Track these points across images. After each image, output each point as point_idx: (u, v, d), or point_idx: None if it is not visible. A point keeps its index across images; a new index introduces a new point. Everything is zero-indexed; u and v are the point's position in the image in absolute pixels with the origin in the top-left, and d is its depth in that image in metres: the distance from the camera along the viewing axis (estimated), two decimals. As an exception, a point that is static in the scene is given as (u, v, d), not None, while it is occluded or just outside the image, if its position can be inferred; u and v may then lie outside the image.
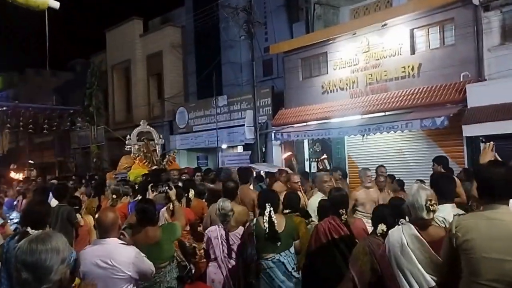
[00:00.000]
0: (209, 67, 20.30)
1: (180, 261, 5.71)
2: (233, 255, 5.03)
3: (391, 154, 14.05)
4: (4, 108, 17.42)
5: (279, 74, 18.61)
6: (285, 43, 17.30)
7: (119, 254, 3.51)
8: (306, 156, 17.10)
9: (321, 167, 10.08)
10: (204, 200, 7.05)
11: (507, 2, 11.63)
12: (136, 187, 7.64)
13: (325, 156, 11.07)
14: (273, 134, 16.87)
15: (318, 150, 16.86)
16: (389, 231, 3.27)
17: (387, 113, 13.58)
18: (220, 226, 5.14)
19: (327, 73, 16.08)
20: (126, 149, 13.46)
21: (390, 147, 14.12)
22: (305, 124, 15.80)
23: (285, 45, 17.19)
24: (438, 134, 12.70)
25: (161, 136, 14.20)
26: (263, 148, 17.65)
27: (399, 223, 3.19)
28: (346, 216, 4.23)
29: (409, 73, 13.66)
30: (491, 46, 11.97)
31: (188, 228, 5.94)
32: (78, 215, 6.23)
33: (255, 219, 4.82)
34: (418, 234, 3.05)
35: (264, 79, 19.04)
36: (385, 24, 14.07)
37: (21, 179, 18.09)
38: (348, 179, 12.15)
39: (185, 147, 21.77)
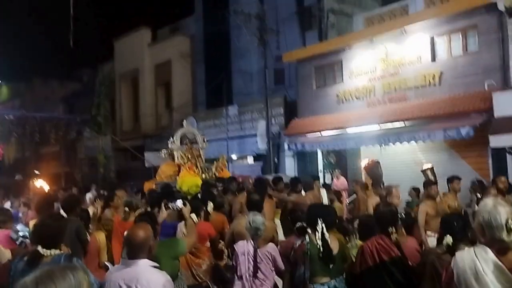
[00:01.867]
0: (219, 76, 19.89)
1: (201, 281, 5.19)
2: (260, 274, 4.51)
3: (410, 166, 13.46)
4: (11, 117, 17.02)
5: (291, 83, 18.17)
6: (299, 51, 16.88)
7: (147, 279, 3.03)
8: (320, 167, 16.55)
9: (426, 178, 8.47)
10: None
11: (534, 7, 11.16)
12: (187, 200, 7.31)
13: (429, 165, 9.87)
14: (286, 144, 16.33)
15: (332, 162, 16.33)
16: (457, 254, 2.72)
17: (406, 123, 13.05)
18: (248, 242, 4.63)
19: (342, 81, 15.62)
20: (163, 155, 11.63)
21: (409, 158, 13.54)
22: (319, 134, 15.28)
23: (299, 53, 16.76)
24: (461, 145, 12.15)
25: (205, 139, 12.12)
26: (276, 159, 17.11)
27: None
28: (396, 235, 3.69)
29: (429, 81, 13.15)
30: (517, 53, 11.46)
31: (208, 244, 5.42)
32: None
33: (307, 236, 4.26)
34: (497, 260, 2.51)
35: (276, 87, 18.58)
36: (405, 31, 13.59)
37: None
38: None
39: (194, 157, 21.27)
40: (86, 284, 1.77)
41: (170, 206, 4.91)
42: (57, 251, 3.25)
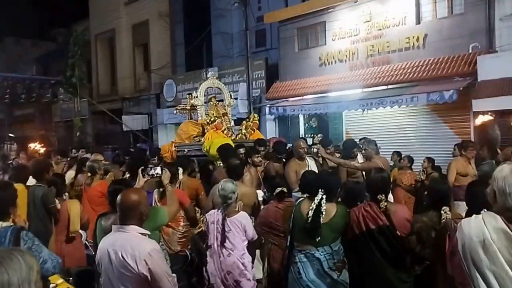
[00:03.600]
0: (198, 38, 19.27)
1: (177, 252, 5.00)
2: (228, 244, 4.33)
3: (392, 130, 13.38)
4: (-20, 78, 16.28)
5: (273, 45, 17.70)
6: (281, 11, 16.36)
7: (132, 246, 2.85)
8: (302, 132, 16.38)
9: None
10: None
11: (523, -32, 10.87)
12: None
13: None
14: (267, 108, 16.05)
15: (314, 126, 16.17)
16: (463, 221, 2.54)
17: (389, 86, 12.87)
18: (219, 210, 4.43)
19: (325, 44, 15.26)
20: (178, 112, 9.97)
21: (391, 123, 13.44)
22: (301, 98, 15.02)
23: (281, 14, 16.25)
24: (443, 109, 12.04)
25: (231, 95, 10.25)
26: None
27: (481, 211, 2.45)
28: (385, 203, 3.50)
29: (413, 44, 12.89)
30: (503, 16, 11.24)
31: (182, 213, 5.15)
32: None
33: (299, 199, 4.04)
34: (508, 229, 2.33)
35: (257, 50, 18.09)
36: (389, -9, 13.20)
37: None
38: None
39: (173, 121, 20.82)
40: (36, 267, 1.55)
41: (149, 173, 4.62)
42: (5, 223, 2.97)
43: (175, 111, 10.17)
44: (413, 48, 12.92)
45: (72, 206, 5.23)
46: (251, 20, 16.92)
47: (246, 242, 4.45)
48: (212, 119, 8.54)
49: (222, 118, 8.95)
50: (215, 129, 8.36)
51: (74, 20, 28.21)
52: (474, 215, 2.53)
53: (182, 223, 5.07)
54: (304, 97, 14.98)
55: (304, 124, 16.39)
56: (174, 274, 3.02)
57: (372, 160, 6.17)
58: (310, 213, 3.66)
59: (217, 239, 4.40)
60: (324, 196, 3.67)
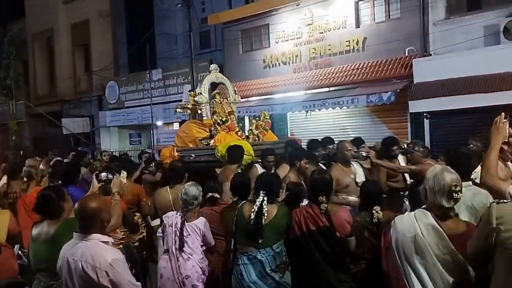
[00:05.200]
0: (141, 39, 18.91)
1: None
2: (187, 248, 4.27)
3: (334, 131, 13.70)
4: None
5: (218, 47, 17.67)
6: (225, 13, 16.36)
7: (92, 256, 2.74)
8: (246, 133, 16.40)
9: None
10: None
11: (453, -25, 11.48)
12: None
13: None
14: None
15: (259, 127, 16.25)
16: (396, 218, 2.66)
17: (331, 88, 13.19)
18: (178, 213, 4.35)
19: (269, 46, 15.43)
20: (179, 111, 8.70)
21: (333, 124, 13.78)
22: (246, 99, 15.06)
23: (225, 16, 16.26)
24: (383, 110, 12.50)
25: (236, 91, 8.85)
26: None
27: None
28: (326, 205, 3.58)
29: (353, 47, 13.30)
30: (436, 21, 11.83)
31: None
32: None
33: (241, 203, 4.03)
34: (437, 225, 2.46)
35: (201, 52, 18.01)
36: (330, -4, 13.55)
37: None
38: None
39: (116, 124, 20.37)
40: None
41: (103, 178, 4.44)
42: None
43: (177, 110, 8.97)
44: (353, 51, 13.32)
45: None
46: (195, 21, 16.82)
47: (204, 247, 4.38)
48: (223, 119, 7.30)
49: (228, 118, 7.60)
50: (227, 130, 7.12)
51: (9, 19, 26.84)
52: (407, 213, 2.66)
53: (119, 230, 4.93)
54: (249, 98, 15.05)
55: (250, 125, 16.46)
56: (138, 283, 2.93)
57: (426, 163, 5.34)
58: (252, 215, 3.68)
59: (175, 242, 4.31)
60: (265, 198, 3.70)
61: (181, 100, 16.79)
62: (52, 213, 3.50)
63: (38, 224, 3.54)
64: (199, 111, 7.70)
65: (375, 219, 3.38)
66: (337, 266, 3.61)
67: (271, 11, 14.99)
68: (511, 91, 9.62)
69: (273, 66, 15.22)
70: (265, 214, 3.65)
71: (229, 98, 8.15)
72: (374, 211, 3.41)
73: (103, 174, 4.42)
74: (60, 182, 5.38)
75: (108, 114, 20.47)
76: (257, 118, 7.82)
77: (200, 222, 4.30)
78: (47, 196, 3.53)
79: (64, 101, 22.81)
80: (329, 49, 13.83)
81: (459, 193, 2.48)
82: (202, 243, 4.34)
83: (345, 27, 13.51)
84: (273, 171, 5.70)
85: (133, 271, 4.16)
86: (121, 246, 4.77)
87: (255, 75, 15.46)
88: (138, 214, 5.34)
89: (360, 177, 5.23)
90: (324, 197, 3.61)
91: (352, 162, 5.48)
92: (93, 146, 20.16)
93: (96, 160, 9.75)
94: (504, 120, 2.76)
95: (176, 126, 18.50)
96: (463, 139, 7.29)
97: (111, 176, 4.37)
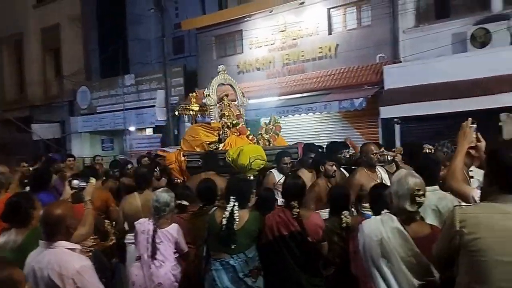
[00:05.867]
0: (114, 44, 18.70)
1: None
2: (159, 255, 4.22)
3: (307, 136, 13.82)
4: None
5: (192, 53, 17.62)
6: (198, 19, 16.35)
7: (59, 264, 2.68)
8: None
9: None
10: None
11: (422, -16, 11.78)
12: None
13: None
14: (186, 116, 15.89)
15: (233, 132, 16.27)
16: (364, 222, 2.72)
17: (304, 94, 13.31)
18: (150, 220, 4.31)
19: (243, 52, 15.49)
20: (181, 113, 8.38)
21: (306, 129, 13.90)
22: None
23: (198, 21, 16.24)
24: (354, 116, 12.69)
25: (244, 93, 8.35)
26: (176, 131, 16.67)
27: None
28: (298, 210, 3.61)
29: (326, 53, 13.49)
30: (406, 28, 12.09)
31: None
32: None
33: (212, 209, 4.02)
34: (402, 228, 2.52)
35: (175, 57, 17.91)
36: (303, 2, 13.72)
37: None
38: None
39: (87, 129, 20.02)
40: None
41: (76, 185, 4.35)
42: None
43: (176, 112, 8.63)
44: (326, 57, 13.50)
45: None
46: (168, 26, 16.75)
47: (177, 254, 4.35)
48: (234, 122, 6.92)
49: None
50: (238, 134, 6.76)
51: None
52: (373, 217, 2.72)
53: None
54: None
55: (224, 131, 16.45)
56: None
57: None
58: (224, 221, 3.68)
59: (147, 249, 4.27)
60: (237, 203, 3.71)
61: (154, 106, 16.70)
62: (20, 221, 3.43)
63: (5, 232, 3.46)
64: (210, 113, 7.36)
65: (344, 224, 3.44)
66: (309, 271, 3.64)
67: (244, 17, 15.06)
68: (478, 97, 9.88)
69: (246, 72, 15.27)
70: (237, 220, 3.66)
71: (237, 101, 7.81)
72: (342, 216, 3.46)
73: (75, 182, 4.36)
74: (30, 188, 5.26)
75: (79, 120, 20.13)
76: (266, 124, 7.41)
77: (173, 229, 4.27)
78: (16, 204, 3.46)
79: (33, 106, 22.31)
80: (302, 56, 13.97)
81: (422, 197, 2.54)
82: (175, 250, 4.31)
83: (317, 34, 13.68)
84: None
85: (103, 279, 4.11)
86: (90, 253, 4.69)
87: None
88: (107, 221, 5.27)
89: (387, 182, 4.67)
90: (296, 202, 3.64)
91: (377, 166, 5.11)
92: (64, 152, 19.75)
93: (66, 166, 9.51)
94: (471, 126, 2.83)
95: (149, 131, 18.36)
96: (432, 144, 7.46)
97: (84, 183, 4.31)
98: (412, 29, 11.97)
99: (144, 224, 4.33)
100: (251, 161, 5.70)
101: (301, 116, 13.04)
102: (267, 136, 6.99)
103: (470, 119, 2.87)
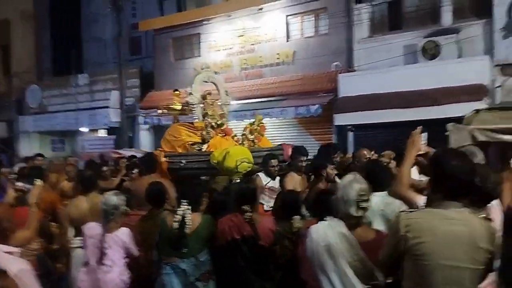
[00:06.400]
0: (67, 42, 18.19)
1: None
2: (107, 261, 4.10)
3: (264, 141, 13.93)
4: None
5: (149, 54, 17.39)
6: (156, 20, 16.17)
7: None
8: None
9: None
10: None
11: (377, -4, 12.14)
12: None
13: None
14: (141, 118, 15.71)
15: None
16: (311, 227, 2.76)
17: (262, 99, 13.40)
18: (98, 224, 4.19)
19: (200, 55, 15.42)
20: (163, 112, 7.97)
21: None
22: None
23: (156, 23, 16.07)
24: (310, 122, 12.88)
25: (227, 92, 7.76)
26: (130, 133, 16.37)
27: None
28: (250, 214, 3.62)
29: (283, 60, 13.65)
30: (360, 38, 12.41)
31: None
32: None
33: (164, 212, 3.94)
34: (348, 233, 2.58)
35: (132, 58, 17.61)
36: (261, 8, 13.84)
37: None
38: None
39: (37, 129, 19.32)
40: None
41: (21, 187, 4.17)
42: None
43: (159, 111, 8.21)
44: (283, 63, 13.66)
45: None
46: (125, 27, 16.46)
47: (126, 259, 4.23)
48: (218, 122, 6.60)
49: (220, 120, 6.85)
50: (223, 134, 6.47)
51: None
52: (321, 222, 2.76)
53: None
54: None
55: (180, 135, 16.31)
56: None
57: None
58: (175, 225, 3.64)
59: (95, 255, 4.14)
60: (188, 207, 3.68)
61: (108, 107, 16.34)
62: None
63: None
64: (192, 112, 6.82)
65: (295, 228, 3.48)
66: (261, 275, 3.66)
67: (203, 20, 15.02)
68: (427, 107, 10.26)
69: (204, 76, 15.18)
70: (189, 223, 3.64)
71: (221, 100, 7.27)
72: (293, 220, 3.50)
73: (20, 184, 4.20)
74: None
75: (29, 119, 19.40)
76: (251, 124, 6.91)
77: (122, 233, 4.16)
78: None
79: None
80: (260, 61, 14.08)
81: (366, 202, 2.61)
82: (125, 255, 4.21)
83: (275, 40, 13.82)
84: (278, 179, 5.48)
85: (48, 283, 3.97)
86: (33, 257, 4.51)
87: (186, 84, 15.18)
88: (54, 223, 5.09)
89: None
90: (248, 206, 3.65)
91: None
92: (12, 153, 18.96)
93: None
94: (420, 134, 2.93)
95: (102, 132, 17.93)
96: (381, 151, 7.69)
97: (29, 185, 4.15)
98: (367, 39, 12.31)
99: (93, 229, 4.22)
100: (238, 164, 5.45)
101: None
102: (252, 136, 6.63)
103: (420, 127, 2.97)
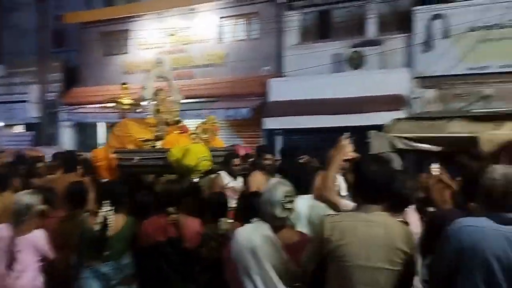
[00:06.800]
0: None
1: None
2: (17, 265, 3.82)
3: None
4: None
5: (73, 47, 16.61)
6: (83, 13, 15.51)
7: None
8: (99, 141, 15.65)
9: None
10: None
11: (308, 4, 12.46)
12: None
13: None
14: (63, 114, 14.99)
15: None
16: (237, 230, 2.77)
17: (192, 100, 13.24)
18: (7, 226, 3.88)
19: (129, 52, 15.06)
20: (116, 108, 7.21)
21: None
22: (103, 105, 14.39)
23: (83, 16, 15.43)
24: (240, 125, 12.97)
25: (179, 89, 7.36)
26: (51, 129, 15.55)
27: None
28: (175, 216, 3.55)
29: (215, 61, 13.68)
30: (291, 44, 12.69)
31: None
32: None
33: (85, 214, 3.74)
34: (273, 235, 2.62)
35: (55, 50, 16.70)
36: (193, 9, 13.75)
37: None
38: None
39: None
40: None
41: None
42: None
43: (111, 105, 7.64)
44: (215, 65, 13.64)
45: None
46: (49, 17, 15.64)
47: (40, 263, 3.96)
48: (175, 118, 6.25)
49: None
50: (180, 131, 6.13)
51: None
52: (246, 224, 2.78)
53: None
54: (107, 104, 14.40)
55: (107, 133, 15.73)
56: None
57: None
58: (97, 227, 3.51)
59: (3, 259, 3.83)
60: (111, 208, 3.55)
61: (26, 101, 15.43)
62: None
63: None
64: (145, 108, 6.57)
65: (222, 230, 3.47)
66: (185, 278, 3.61)
67: (132, 16, 14.65)
68: (352, 115, 10.68)
69: (133, 73, 14.80)
70: (111, 225, 3.51)
71: (173, 97, 6.83)
72: (220, 222, 3.49)
73: None
74: None
75: None
76: (203, 123, 6.65)
77: (36, 235, 3.89)
78: None
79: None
80: (191, 61, 13.97)
81: (291, 203, 2.67)
82: (39, 258, 3.96)
83: (207, 42, 13.79)
84: (241, 179, 5.38)
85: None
86: None
87: (114, 81, 14.80)
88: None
89: (343, 191, 4.55)
90: (173, 207, 3.59)
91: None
92: None
93: None
94: (347, 140, 3.02)
95: (20, 128, 16.88)
96: (312, 156, 7.91)
97: None
98: (296, 46, 12.61)
99: (1, 230, 3.91)
100: (198, 162, 5.13)
101: (188, 122, 12.93)
102: (206, 136, 6.31)
103: (347, 133, 3.07)
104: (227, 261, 2.82)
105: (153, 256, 3.53)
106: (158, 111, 6.31)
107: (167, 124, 6.14)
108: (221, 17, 13.68)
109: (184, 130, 6.24)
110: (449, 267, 2.32)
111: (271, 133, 12.37)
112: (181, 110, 12.34)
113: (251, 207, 3.03)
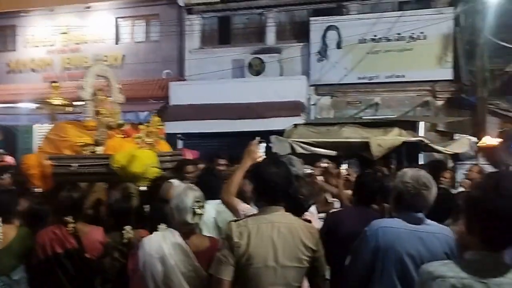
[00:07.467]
0: None
1: None
2: None
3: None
4: None
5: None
6: (-40, 4, 14.02)
7: None
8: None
9: None
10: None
11: (208, 9, 12.49)
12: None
13: None
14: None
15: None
16: (145, 239, 2.65)
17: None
18: None
19: (15, 49, 13.91)
20: (42, 108, 6.32)
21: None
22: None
23: (-40, 7, 13.93)
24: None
25: (120, 89, 6.34)
26: None
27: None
28: (74, 225, 3.30)
29: (112, 63, 13.06)
30: (192, 48, 12.62)
31: None
32: None
33: None
34: (183, 243, 2.55)
35: None
36: (89, 7, 13.10)
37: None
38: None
39: None
40: None
41: None
42: None
43: (36, 105, 6.86)
44: (111, 67, 12.99)
45: None
46: None
47: None
48: (119, 122, 5.60)
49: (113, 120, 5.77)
50: (124, 136, 5.57)
51: None
52: (155, 232, 2.68)
53: None
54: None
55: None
56: None
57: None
58: None
59: None
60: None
61: None
62: None
63: None
64: (84, 109, 5.60)
65: (125, 239, 3.30)
66: (85, 290, 3.39)
67: (19, 11, 13.56)
68: (253, 120, 10.87)
69: (19, 72, 13.71)
70: (0, 237, 3.20)
71: (112, 97, 6.06)
72: (124, 231, 3.32)
73: None
74: None
75: None
76: (146, 124, 5.91)
77: None
78: None
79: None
80: (86, 62, 13.25)
81: (201, 208, 2.63)
82: None
83: (103, 42, 13.21)
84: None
85: None
86: None
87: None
88: None
89: None
90: (71, 217, 3.35)
91: None
92: None
93: None
94: (258, 144, 3.05)
95: None
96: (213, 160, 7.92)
97: None
98: (198, 50, 12.58)
99: None
100: (146, 169, 4.67)
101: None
102: (151, 140, 5.69)
103: (258, 138, 3.10)
104: (133, 272, 2.69)
105: (49, 270, 3.26)
106: (97, 113, 5.61)
107: (109, 127, 5.53)
108: (118, 17, 13.18)
109: (128, 134, 5.70)
110: (366, 266, 2.47)
111: (172, 137, 12.12)
112: (73, 113, 11.86)
113: (159, 213, 2.94)
